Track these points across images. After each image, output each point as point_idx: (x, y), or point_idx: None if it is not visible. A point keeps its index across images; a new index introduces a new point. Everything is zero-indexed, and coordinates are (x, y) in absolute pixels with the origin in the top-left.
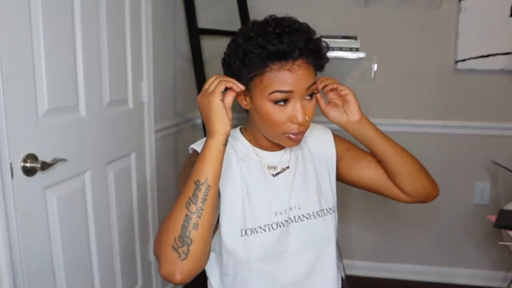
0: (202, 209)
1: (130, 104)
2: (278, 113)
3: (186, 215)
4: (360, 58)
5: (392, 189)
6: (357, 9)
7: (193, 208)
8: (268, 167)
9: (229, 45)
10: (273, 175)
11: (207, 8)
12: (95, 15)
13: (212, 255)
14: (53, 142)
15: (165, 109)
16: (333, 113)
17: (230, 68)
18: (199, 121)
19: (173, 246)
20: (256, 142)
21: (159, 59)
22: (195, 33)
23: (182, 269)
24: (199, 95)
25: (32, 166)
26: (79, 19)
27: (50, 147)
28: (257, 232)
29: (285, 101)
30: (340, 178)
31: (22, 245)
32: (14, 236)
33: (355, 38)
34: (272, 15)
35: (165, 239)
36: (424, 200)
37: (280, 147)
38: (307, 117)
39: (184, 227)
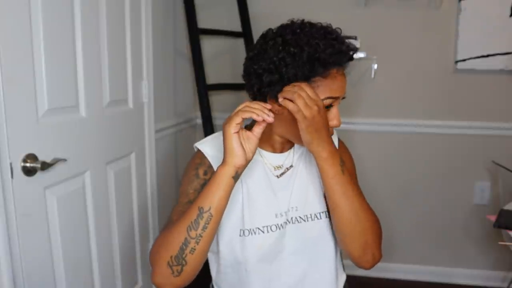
0: (201, 236)
1: (130, 104)
2: None
3: (186, 239)
4: (360, 58)
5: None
6: (357, 9)
7: (193, 233)
8: (274, 168)
9: (279, 49)
10: (277, 176)
11: (207, 8)
12: (95, 15)
13: (211, 256)
14: (53, 142)
15: (165, 109)
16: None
17: (278, 75)
18: (199, 121)
19: (168, 263)
20: (264, 143)
21: (159, 59)
22: (195, 33)
23: (173, 284)
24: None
25: (32, 166)
26: (79, 19)
27: (50, 147)
28: (255, 233)
29: (329, 106)
30: None
31: (22, 245)
32: (14, 236)
33: (355, 38)
34: (293, 19)
35: (162, 254)
36: (352, 260)
37: (287, 149)
38: None
39: (181, 249)
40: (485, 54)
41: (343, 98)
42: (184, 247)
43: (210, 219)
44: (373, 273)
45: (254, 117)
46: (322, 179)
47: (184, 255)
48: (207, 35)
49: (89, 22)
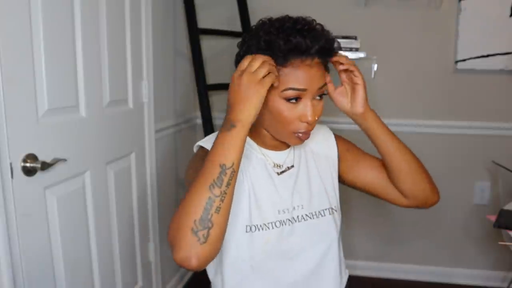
0: (226, 193)
1: (130, 104)
2: (288, 111)
3: (209, 198)
4: (360, 58)
5: (391, 192)
6: (357, 9)
7: (217, 191)
8: (274, 165)
9: (245, 40)
10: (278, 173)
11: (207, 8)
12: (95, 15)
13: None
14: (53, 142)
15: (165, 109)
16: (340, 99)
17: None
18: (199, 121)
19: (192, 229)
20: (261, 141)
21: (159, 59)
22: (195, 33)
23: (200, 254)
24: (237, 73)
25: (32, 166)
26: (79, 19)
27: (50, 147)
28: (261, 229)
29: (297, 99)
30: (340, 180)
31: (22, 245)
32: (14, 236)
33: (355, 38)
34: (286, 15)
35: (184, 222)
36: (423, 205)
37: (285, 146)
38: (316, 117)
39: (206, 210)
40: (485, 54)
41: (324, 94)
42: (209, 207)
43: (233, 175)
44: (373, 273)
45: (276, 83)
46: (376, 136)
47: (209, 216)
48: (207, 35)
49: (89, 22)
